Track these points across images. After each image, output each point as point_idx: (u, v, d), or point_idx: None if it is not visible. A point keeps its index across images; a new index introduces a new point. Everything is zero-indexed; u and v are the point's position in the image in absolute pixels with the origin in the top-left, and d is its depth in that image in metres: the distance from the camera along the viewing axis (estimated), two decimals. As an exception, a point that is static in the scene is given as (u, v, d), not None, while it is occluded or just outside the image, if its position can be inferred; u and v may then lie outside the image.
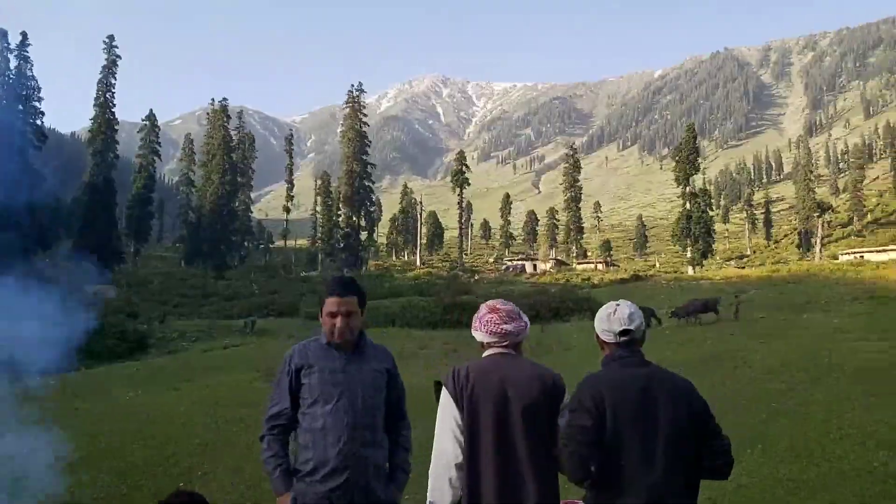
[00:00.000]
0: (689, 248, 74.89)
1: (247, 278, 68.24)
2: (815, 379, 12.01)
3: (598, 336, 3.19)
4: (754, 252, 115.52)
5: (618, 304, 3.16)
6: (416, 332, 27.60)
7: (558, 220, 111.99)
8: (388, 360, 3.59)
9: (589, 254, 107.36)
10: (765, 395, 11.00)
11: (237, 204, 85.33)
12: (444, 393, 3.16)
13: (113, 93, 68.33)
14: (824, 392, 10.88)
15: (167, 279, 63.62)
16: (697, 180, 78.73)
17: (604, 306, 3.22)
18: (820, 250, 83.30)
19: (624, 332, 3.05)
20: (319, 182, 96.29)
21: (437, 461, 3.14)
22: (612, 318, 3.09)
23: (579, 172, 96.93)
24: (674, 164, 78.87)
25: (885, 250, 72.94)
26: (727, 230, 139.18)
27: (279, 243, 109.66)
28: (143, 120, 79.73)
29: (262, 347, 24.33)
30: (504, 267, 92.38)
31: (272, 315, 40.66)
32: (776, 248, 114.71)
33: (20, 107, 57.91)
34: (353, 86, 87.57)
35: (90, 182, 64.75)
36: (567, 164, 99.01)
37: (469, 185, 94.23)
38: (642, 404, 2.90)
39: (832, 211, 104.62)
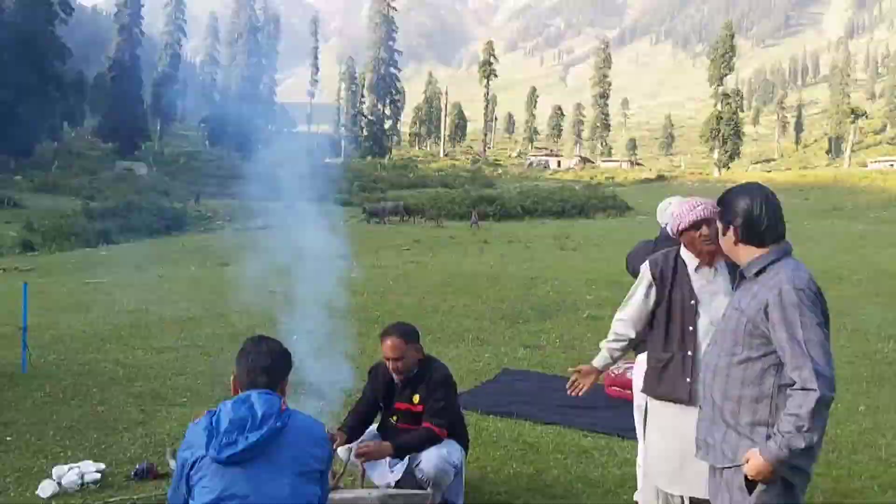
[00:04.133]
0: (716, 150, 74.11)
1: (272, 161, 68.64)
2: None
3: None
4: (782, 156, 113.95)
5: (670, 202, 3.82)
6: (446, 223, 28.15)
7: (584, 116, 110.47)
8: None
9: (614, 152, 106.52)
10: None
11: (261, 87, 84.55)
12: None
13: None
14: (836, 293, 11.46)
15: (193, 158, 64.26)
16: (730, 81, 76.87)
17: (661, 202, 4.02)
18: (849, 157, 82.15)
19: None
20: (344, 68, 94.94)
21: None
22: (663, 213, 3.86)
23: (609, 68, 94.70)
24: (708, 62, 76.84)
25: (916, 160, 72.04)
26: (756, 132, 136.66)
27: (301, 128, 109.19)
28: (166, -5, 77.83)
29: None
30: (528, 162, 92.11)
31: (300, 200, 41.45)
32: (805, 152, 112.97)
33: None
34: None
35: (117, 58, 64.34)
36: (597, 59, 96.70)
37: (496, 76, 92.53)
38: None
39: (866, 117, 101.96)
